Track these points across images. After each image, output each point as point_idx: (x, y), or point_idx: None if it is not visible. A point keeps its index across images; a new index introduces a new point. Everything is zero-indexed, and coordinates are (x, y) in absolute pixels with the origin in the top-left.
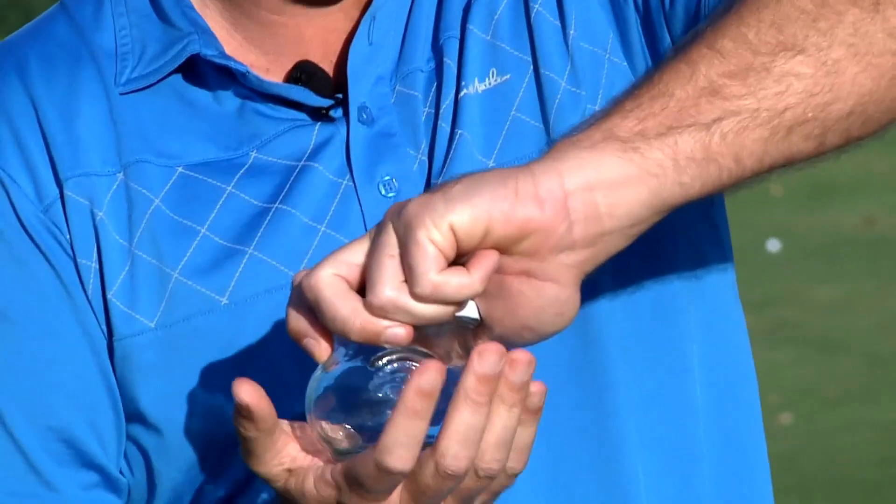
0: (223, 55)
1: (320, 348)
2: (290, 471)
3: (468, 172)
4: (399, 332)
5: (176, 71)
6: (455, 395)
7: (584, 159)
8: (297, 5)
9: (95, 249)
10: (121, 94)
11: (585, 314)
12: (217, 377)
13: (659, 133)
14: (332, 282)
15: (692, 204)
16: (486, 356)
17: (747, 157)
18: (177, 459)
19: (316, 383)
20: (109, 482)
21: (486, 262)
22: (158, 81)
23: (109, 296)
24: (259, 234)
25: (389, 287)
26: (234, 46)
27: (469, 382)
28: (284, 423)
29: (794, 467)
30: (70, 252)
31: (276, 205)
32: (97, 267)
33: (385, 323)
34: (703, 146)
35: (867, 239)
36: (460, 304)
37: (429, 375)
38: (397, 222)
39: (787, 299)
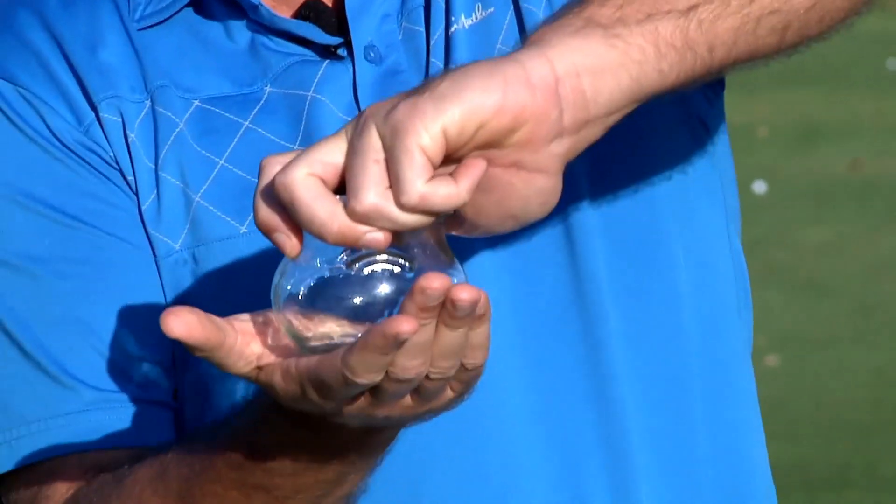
0: None
1: (291, 244)
2: (259, 368)
3: (452, 68)
4: (378, 237)
5: (188, 5)
6: (401, 308)
7: (570, 45)
8: None
9: (130, 166)
10: (138, 29)
11: (575, 249)
12: (235, 302)
13: (638, 20)
14: (308, 182)
15: (686, 133)
16: (427, 288)
17: (719, 47)
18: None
19: (286, 278)
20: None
21: (473, 172)
22: (172, 16)
23: (141, 215)
24: None
25: (374, 193)
26: None
27: (411, 310)
28: (245, 321)
29: (782, 410)
30: (115, 164)
31: (296, 144)
32: (133, 182)
33: (363, 228)
34: (682, 32)
35: (854, 182)
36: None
37: (405, 326)
38: (382, 126)
39: (774, 242)
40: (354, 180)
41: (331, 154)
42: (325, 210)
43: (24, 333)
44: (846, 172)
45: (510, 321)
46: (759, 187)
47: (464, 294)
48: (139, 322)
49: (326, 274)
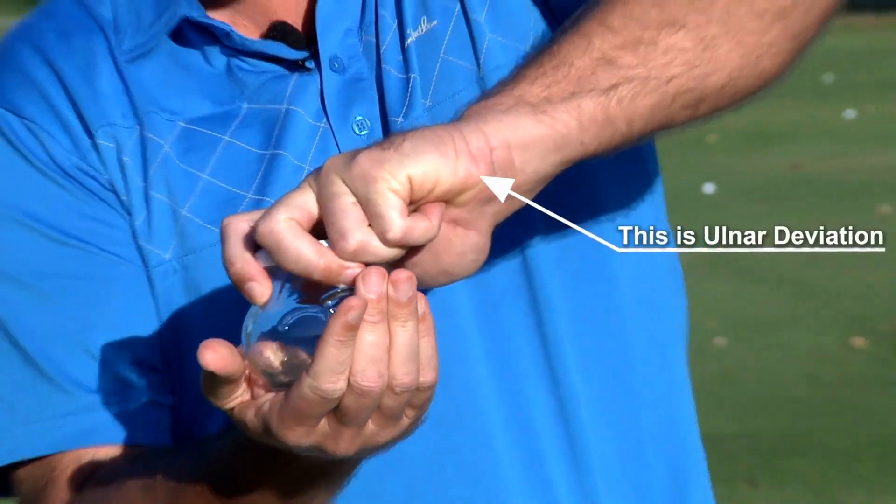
0: (207, 17)
1: (262, 291)
2: (240, 404)
3: (408, 129)
4: (355, 271)
5: (169, 37)
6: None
7: (503, 121)
8: None
9: (124, 187)
10: (125, 60)
11: (523, 245)
12: (222, 304)
13: (563, 97)
14: (290, 225)
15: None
16: (368, 280)
17: (637, 121)
18: (190, 378)
19: (258, 321)
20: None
21: (439, 210)
22: (154, 48)
23: (134, 231)
24: (258, 177)
25: (360, 232)
26: (215, 10)
27: (357, 308)
28: None
29: (729, 385)
30: (111, 187)
31: (269, 150)
32: (128, 202)
33: (346, 264)
34: (603, 109)
35: (793, 181)
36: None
37: (354, 312)
38: (346, 175)
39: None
40: (339, 223)
41: (303, 201)
42: (310, 249)
43: (28, 342)
44: (787, 173)
45: (472, 320)
46: (709, 188)
47: (400, 274)
48: (133, 331)
49: (298, 314)
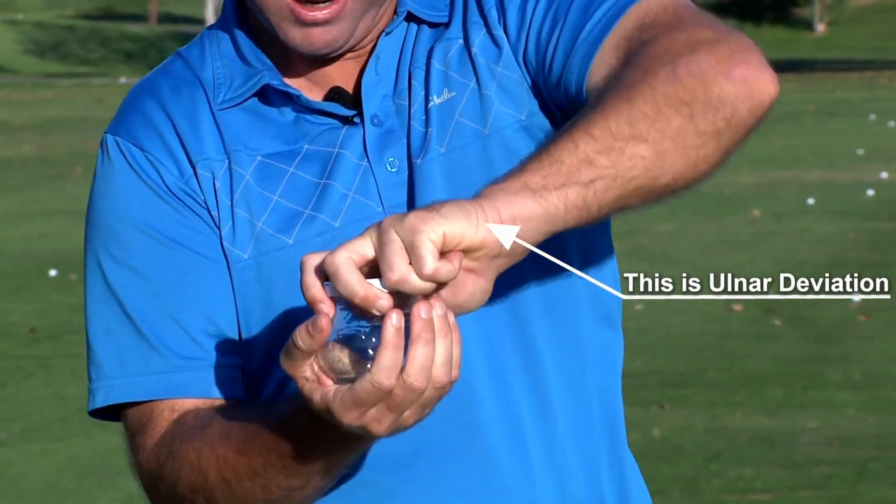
0: (284, 84)
1: (329, 310)
2: (307, 378)
3: (446, 200)
4: (385, 303)
5: (253, 95)
6: (411, 336)
7: (511, 201)
8: (321, 62)
9: (216, 206)
10: (219, 110)
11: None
12: (289, 290)
13: (556, 187)
14: (347, 261)
15: None
16: (421, 307)
17: (604, 207)
18: (257, 349)
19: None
20: (238, 350)
21: (459, 257)
22: (242, 102)
23: (222, 237)
24: (314, 198)
25: (403, 267)
26: (290, 78)
27: (416, 327)
28: None
29: (644, 338)
30: (205, 206)
31: (323, 180)
32: (218, 216)
33: (380, 294)
34: (583, 198)
35: (690, 194)
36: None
37: (397, 318)
38: (400, 228)
39: (640, 231)
40: (389, 259)
41: (361, 246)
42: (356, 280)
43: (137, 315)
44: None
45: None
46: None
47: (435, 301)
48: (215, 311)
49: (357, 329)
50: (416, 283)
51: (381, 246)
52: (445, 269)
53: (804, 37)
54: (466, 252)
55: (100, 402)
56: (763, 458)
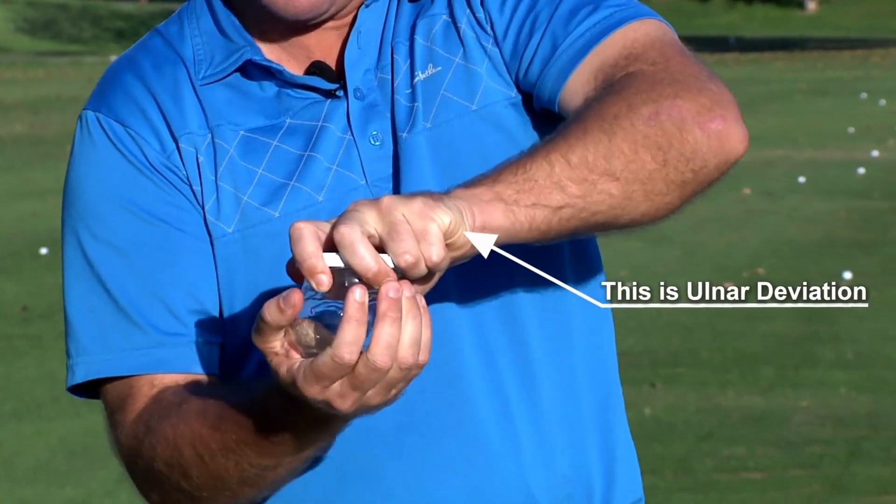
0: (266, 59)
1: (329, 281)
2: (276, 353)
3: (446, 193)
4: (394, 281)
5: (234, 71)
6: (377, 315)
7: (484, 209)
8: (300, 29)
9: (199, 181)
10: (200, 85)
11: (501, 264)
12: (274, 263)
13: (526, 205)
14: (363, 236)
15: None
16: (389, 286)
17: (563, 233)
18: (240, 324)
19: (307, 304)
20: (218, 327)
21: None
22: (223, 78)
23: (205, 212)
24: (299, 170)
25: (417, 252)
26: (271, 53)
27: (383, 305)
28: None
29: (636, 317)
30: (187, 181)
31: (307, 152)
32: (200, 191)
33: (390, 273)
34: (547, 221)
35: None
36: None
37: (361, 294)
38: (408, 211)
39: None
40: (404, 242)
41: (366, 221)
42: (372, 256)
43: (118, 292)
44: None
45: (456, 275)
46: None
47: (406, 283)
48: (196, 288)
49: (325, 306)
50: (422, 267)
51: (391, 226)
52: (448, 259)
53: (795, 15)
54: (449, 247)
55: (80, 377)
56: (755, 438)
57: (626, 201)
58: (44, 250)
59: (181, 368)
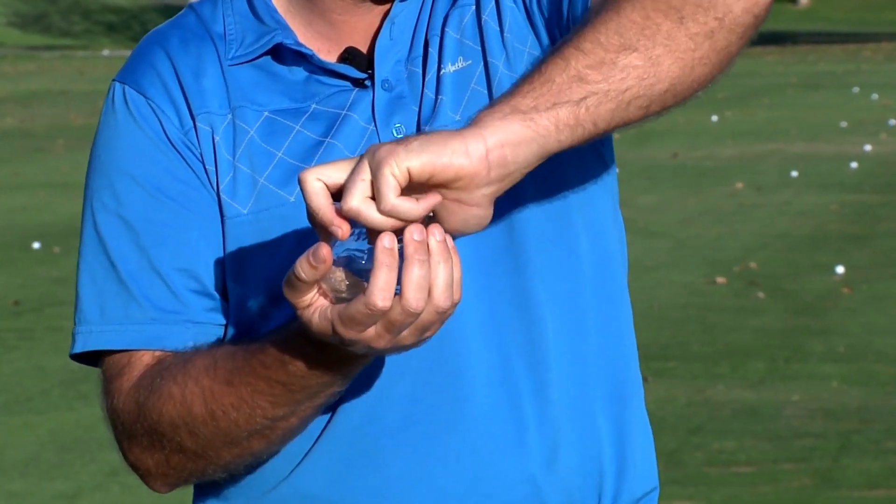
0: (297, 43)
1: (345, 229)
2: (308, 305)
3: (423, 132)
4: (419, 227)
5: (265, 53)
6: (405, 258)
7: (498, 126)
8: (357, 6)
9: (213, 160)
10: (228, 65)
11: (510, 216)
12: (286, 247)
13: (546, 107)
14: (318, 186)
15: (590, 151)
16: (413, 229)
17: (601, 122)
18: (244, 305)
19: (335, 250)
20: (219, 308)
21: (430, 200)
22: (253, 59)
23: (220, 191)
24: (317, 157)
25: (356, 200)
26: (303, 36)
27: (409, 249)
28: None
29: None
30: (201, 160)
31: (327, 139)
32: (214, 171)
33: (390, 222)
34: (574, 116)
35: (672, 166)
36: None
37: (389, 240)
38: (371, 159)
39: (622, 204)
40: (347, 191)
41: (337, 172)
42: (379, 215)
43: (122, 265)
44: (668, 160)
45: (468, 269)
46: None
47: (434, 227)
48: (199, 267)
49: (349, 251)
50: (372, 216)
51: (350, 175)
52: (404, 206)
53: (787, 9)
54: (445, 185)
55: (78, 347)
56: (746, 431)
57: (653, 68)
58: (36, 244)
59: (175, 346)
